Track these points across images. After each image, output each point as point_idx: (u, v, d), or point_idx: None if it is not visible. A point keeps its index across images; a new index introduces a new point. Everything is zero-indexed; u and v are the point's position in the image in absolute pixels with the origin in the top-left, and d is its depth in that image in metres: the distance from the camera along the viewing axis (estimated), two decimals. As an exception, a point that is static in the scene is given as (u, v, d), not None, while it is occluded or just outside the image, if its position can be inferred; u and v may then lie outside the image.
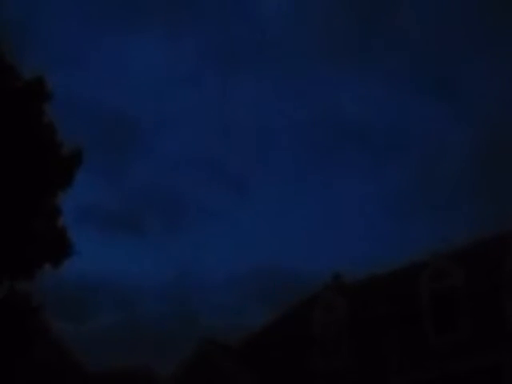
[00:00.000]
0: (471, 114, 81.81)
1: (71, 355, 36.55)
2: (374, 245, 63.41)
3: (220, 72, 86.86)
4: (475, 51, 79.87)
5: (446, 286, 28.17)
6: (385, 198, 77.97)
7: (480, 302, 27.18)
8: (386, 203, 76.31)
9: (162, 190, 77.56)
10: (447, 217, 69.37)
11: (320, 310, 31.65)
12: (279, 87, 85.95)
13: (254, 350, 33.50)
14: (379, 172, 79.09)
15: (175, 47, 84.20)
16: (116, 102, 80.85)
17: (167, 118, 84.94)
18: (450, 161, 73.38)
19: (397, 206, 71.86)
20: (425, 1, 79.00)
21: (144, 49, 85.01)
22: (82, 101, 69.50)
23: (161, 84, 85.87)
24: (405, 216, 72.51)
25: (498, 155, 71.09)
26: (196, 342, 34.43)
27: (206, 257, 77.36)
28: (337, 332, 30.76)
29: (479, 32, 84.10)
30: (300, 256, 72.10)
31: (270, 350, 32.80)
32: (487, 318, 26.80)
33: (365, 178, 79.63)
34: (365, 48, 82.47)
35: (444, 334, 27.85)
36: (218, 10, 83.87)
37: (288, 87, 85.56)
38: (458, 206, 69.66)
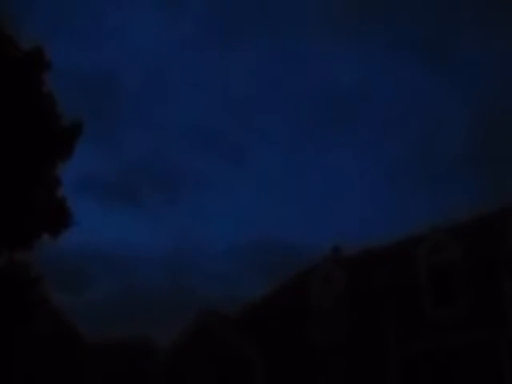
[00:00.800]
0: (471, 86, 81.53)
1: (70, 326, 36.75)
2: (374, 218, 63.60)
3: (220, 44, 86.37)
4: (475, 26, 79.36)
5: (443, 260, 28.22)
6: (384, 171, 77.97)
7: (477, 277, 27.25)
8: (385, 176, 76.35)
9: (161, 161, 77.51)
10: (446, 190, 69.38)
11: (318, 282, 31.72)
12: (279, 58, 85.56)
13: (253, 321, 33.66)
14: (378, 144, 79.04)
15: (176, 16, 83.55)
16: (115, 72, 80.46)
17: (167, 89, 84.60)
18: (449, 134, 73.27)
19: (396, 179, 71.91)
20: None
21: (145, 18, 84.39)
22: (81, 70, 69.15)
23: (161, 55, 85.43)
24: (404, 189, 72.61)
25: (498, 128, 70.97)
26: (194, 312, 34.61)
27: (204, 227, 77.57)
28: (334, 304, 30.86)
29: (481, 8, 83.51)
30: (299, 228, 72.30)
31: (268, 321, 32.95)
32: (484, 292, 26.88)
33: (364, 151, 79.55)
34: (364, 21, 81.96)
35: (441, 307, 27.96)
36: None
37: (287, 58, 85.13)
38: (457, 178, 69.63)
